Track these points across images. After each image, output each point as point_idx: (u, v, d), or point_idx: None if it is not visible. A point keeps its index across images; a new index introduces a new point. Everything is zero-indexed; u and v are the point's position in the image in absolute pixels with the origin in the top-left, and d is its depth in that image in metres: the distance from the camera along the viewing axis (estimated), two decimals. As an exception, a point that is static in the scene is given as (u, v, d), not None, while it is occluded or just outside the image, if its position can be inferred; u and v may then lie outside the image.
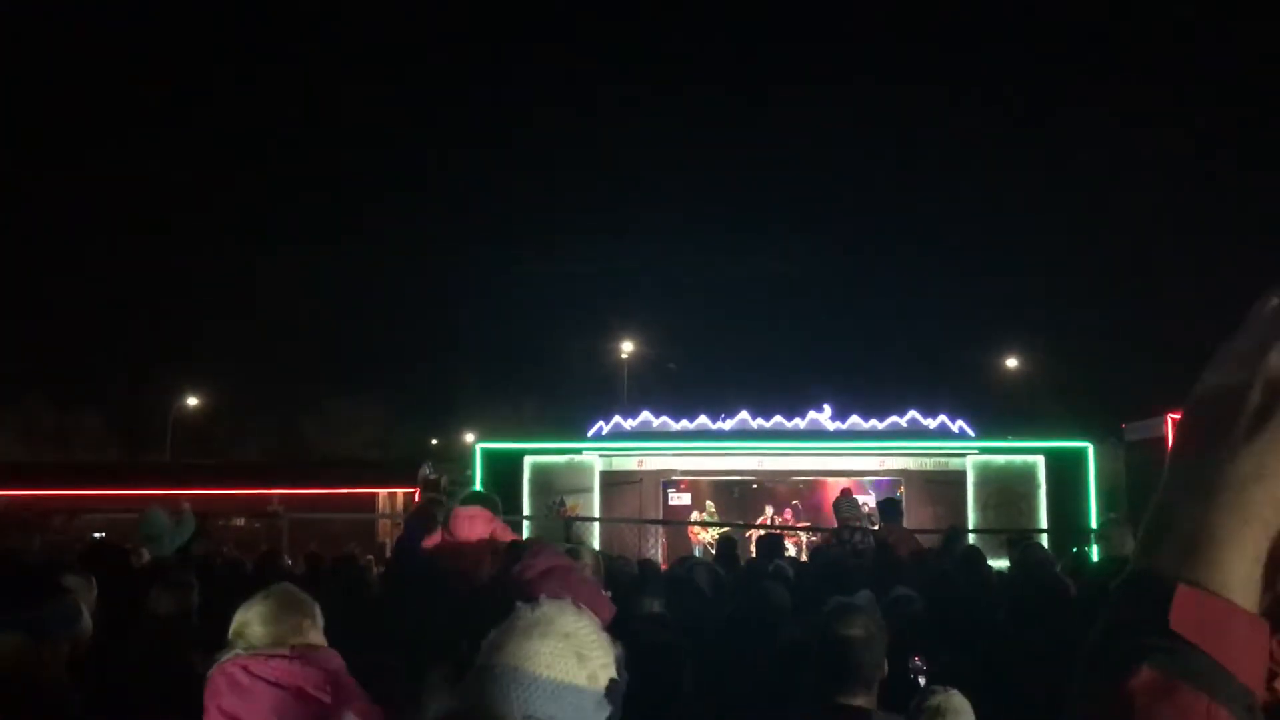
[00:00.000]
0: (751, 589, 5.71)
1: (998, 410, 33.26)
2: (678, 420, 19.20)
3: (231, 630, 3.11)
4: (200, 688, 3.09)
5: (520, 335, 54.78)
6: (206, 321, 51.82)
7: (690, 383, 38.99)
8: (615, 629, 1.86)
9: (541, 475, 17.33)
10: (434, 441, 42.34)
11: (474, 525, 5.26)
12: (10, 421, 37.93)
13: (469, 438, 31.66)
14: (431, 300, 61.47)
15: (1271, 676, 0.73)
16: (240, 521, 18.31)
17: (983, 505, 17.24)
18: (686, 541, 17.54)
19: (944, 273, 61.13)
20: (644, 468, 18.20)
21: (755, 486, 19.87)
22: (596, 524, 15.82)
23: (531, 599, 3.10)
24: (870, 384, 34.99)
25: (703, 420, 19.17)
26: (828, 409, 19.21)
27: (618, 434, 18.79)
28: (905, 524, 13.82)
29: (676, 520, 17.97)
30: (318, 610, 3.25)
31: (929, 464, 18.12)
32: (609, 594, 4.57)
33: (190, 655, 4.03)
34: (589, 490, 17.34)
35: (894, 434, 18.74)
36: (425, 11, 74.96)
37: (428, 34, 71.89)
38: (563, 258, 61.04)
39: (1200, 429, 0.78)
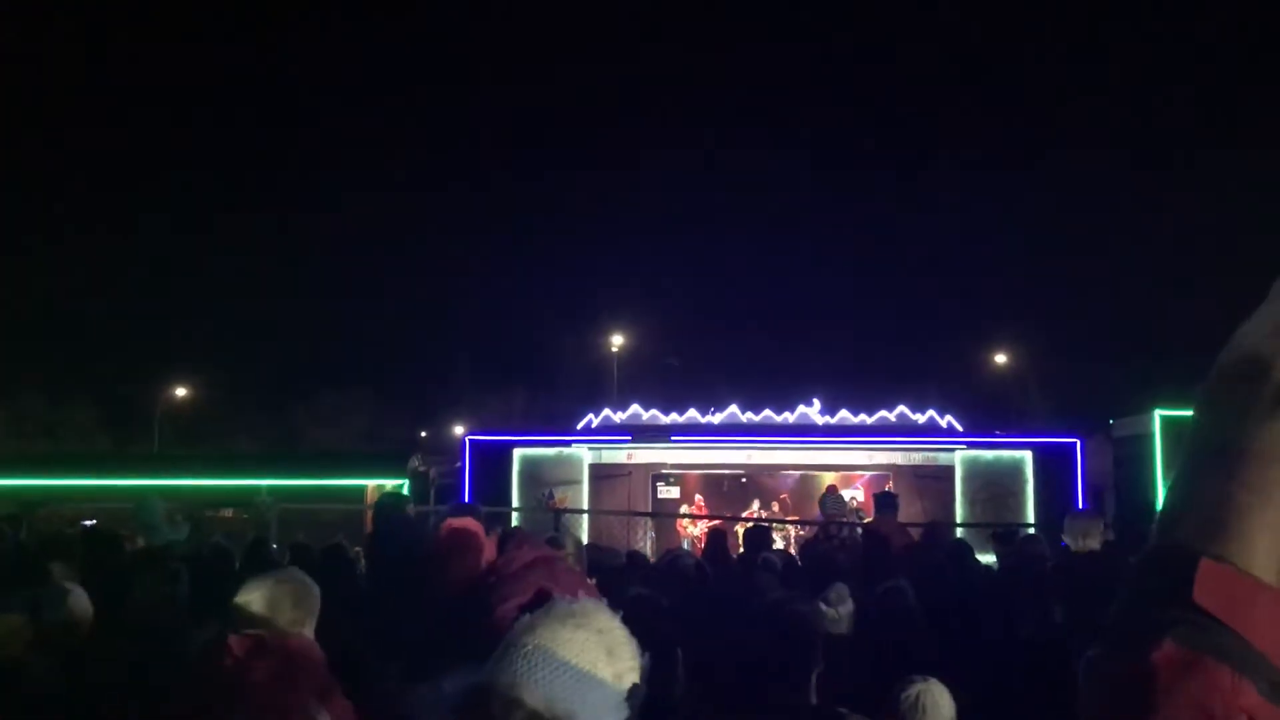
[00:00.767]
0: (742, 580, 5.74)
1: (986, 405, 33.37)
2: (667, 414, 19.23)
3: (233, 605, 3.11)
4: (187, 674, 3.09)
5: (510, 328, 54.75)
6: (196, 313, 51.74)
7: (681, 376, 38.98)
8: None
9: (531, 467, 17.33)
10: (423, 434, 42.26)
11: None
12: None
13: (458, 430, 31.67)
14: (421, 292, 61.42)
15: None
16: (229, 512, 18.27)
17: (971, 500, 17.31)
18: (675, 535, 17.58)
19: (933, 268, 61.21)
20: (633, 461, 18.22)
21: (744, 480, 19.91)
22: (585, 516, 15.84)
23: (517, 592, 3.11)
24: (860, 378, 35.05)
25: (692, 414, 19.20)
26: (817, 403, 19.27)
27: (608, 427, 18.81)
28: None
29: (665, 513, 18.00)
30: (318, 603, 3.25)
31: (918, 458, 18.18)
32: (593, 581, 4.59)
33: (178, 642, 4.03)
34: (578, 483, 17.36)
35: (883, 428, 18.79)
36: (416, 13, 74.80)
37: (422, 32, 71.79)
38: (553, 250, 61.05)
39: (1223, 404, 0.77)
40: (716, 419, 19.15)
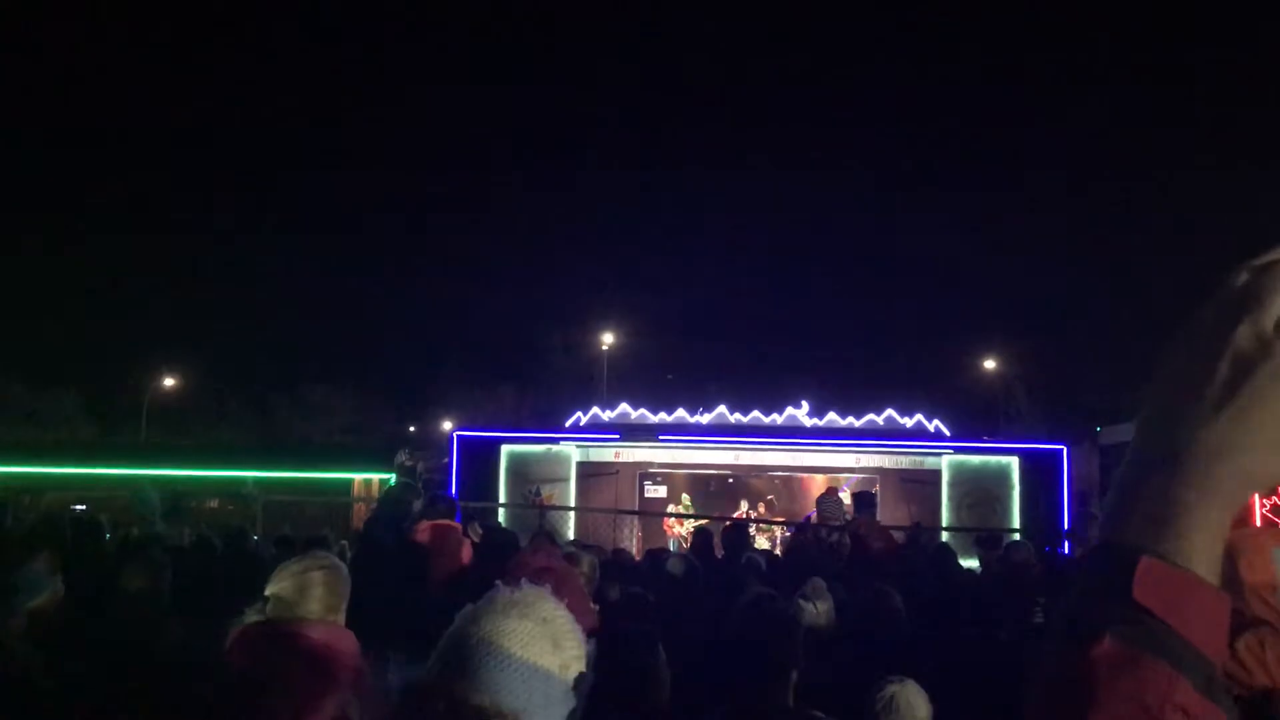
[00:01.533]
0: (728, 580, 5.74)
1: (974, 411, 33.42)
2: (656, 413, 19.23)
3: (267, 590, 3.06)
4: (169, 663, 3.07)
5: (500, 324, 54.71)
6: (185, 303, 51.57)
7: (670, 374, 38.98)
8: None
9: (518, 464, 17.32)
10: (411, 428, 42.19)
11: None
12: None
13: (447, 425, 31.61)
14: (411, 287, 61.28)
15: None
16: (214, 503, 18.23)
17: (957, 504, 17.34)
18: (662, 534, 17.57)
19: (924, 274, 61.33)
20: (621, 459, 18.20)
21: (731, 481, 19.91)
22: (571, 514, 15.83)
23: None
24: (848, 382, 35.09)
25: (681, 414, 19.21)
26: (806, 405, 19.30)
27: (596, 425, 18.80)
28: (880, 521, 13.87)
29: (652, 511, 17.99)
30: (349, 589, 3.20)
31: (905, 462, 18.19)
32: (596, 607, 4.56)
33: (162, 632, 4.02)
34: (565, 480, 17.35)
35: (871, 432, 18.82)
36: (416, 9, 74.60)
37: (418, 28, 71.60)
38: (545, 248, 60.92)
39: (1167, 402, 0.78)
40: (705, 419, 19.16)
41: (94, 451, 22.70)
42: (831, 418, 19.14)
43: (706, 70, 75.35)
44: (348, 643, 2.97)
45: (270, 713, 2.80)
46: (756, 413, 19.32)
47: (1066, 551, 12.63)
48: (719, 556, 7.87)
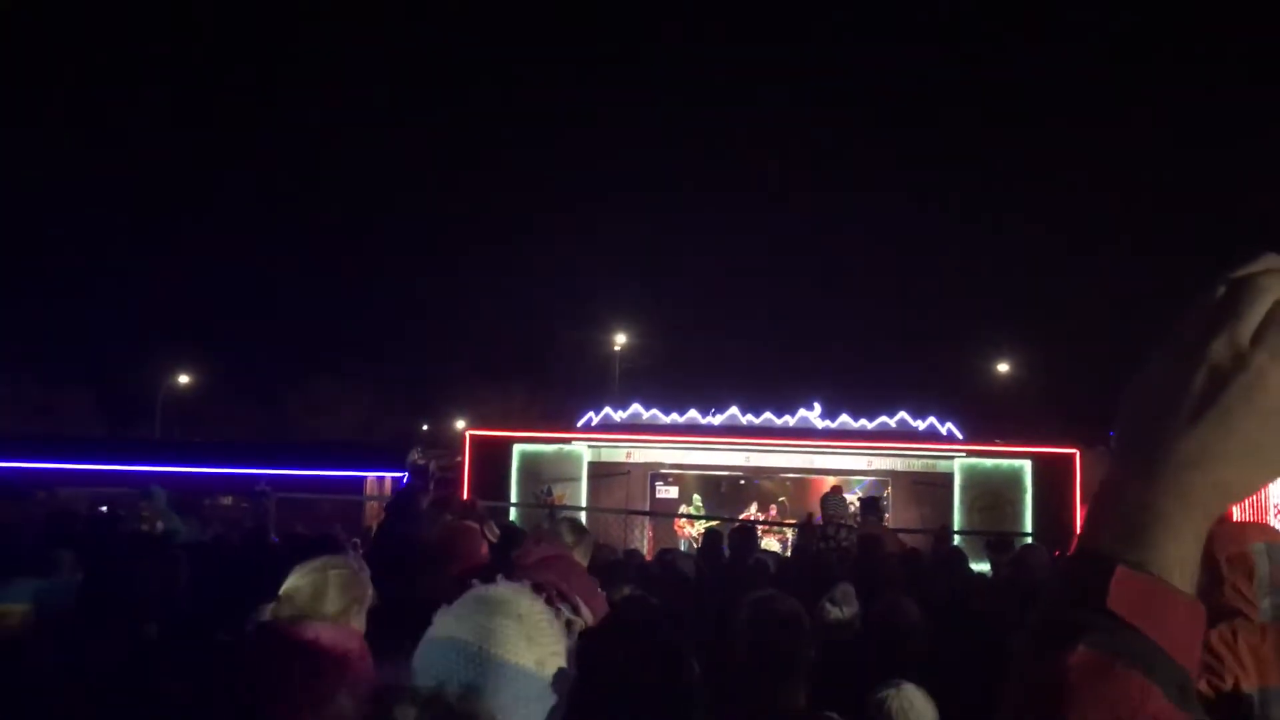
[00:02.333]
0: (736, 581, 5.75)
1: (987, 414, 33.33)
2: (668, 414, 19.23)
3: (281, 590, 3.07)
4: (185, 664, 3.09)
5: (513, 323, 54.77)
6: (197, 300, 51.73)
7: (681, 376, 38.97)
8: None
9: (530, 464, 17.35)
10: (424, 427, 42.30)
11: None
12: (-2, 395, 37.77)
13: (459, 424, 31.67)
14: (424, 285, 61.37)
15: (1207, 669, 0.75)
16: (227, 501, 18.29)
17: (969, 508, 17.30)
18: (673, 535, 17.59)
19: (936, 276, 61.16)
20: (632, 460, 18.22)
21: (742, 482, 19.90)
22: (583, 514, 15.85)
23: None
24: (860, 384, 35.02)
25: (693, 414, 19.21)
26: (818, 407, 19.27)
27: (607, 425, 18.82)
28: (892, 525, 13.90)
29: (662, 512, 18.00)
30: (369, 593, 3.19)
31: (917, 465, 18.16)
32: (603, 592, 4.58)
33: (178, 632, 4.05)
34: (576, 480, 17.37)
35: (883, 434, 18.79)
36: (417, 10, 74.74)
37: (426, 23, 71.73)
38: (557, 246, 60.93)
39: (1145, 412, 0.79)
40: (716, 420, 19.15)
41: (107, 448, 22.79)
42: (844, 420, 19.11)
43: (721, 65, 75.32)
44: (354, 643, 2.98)
45: (274, 713, 2.83)
46: (768, 414, 19.30)
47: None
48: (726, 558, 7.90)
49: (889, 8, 77.44)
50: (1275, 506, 11.79)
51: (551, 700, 1.58)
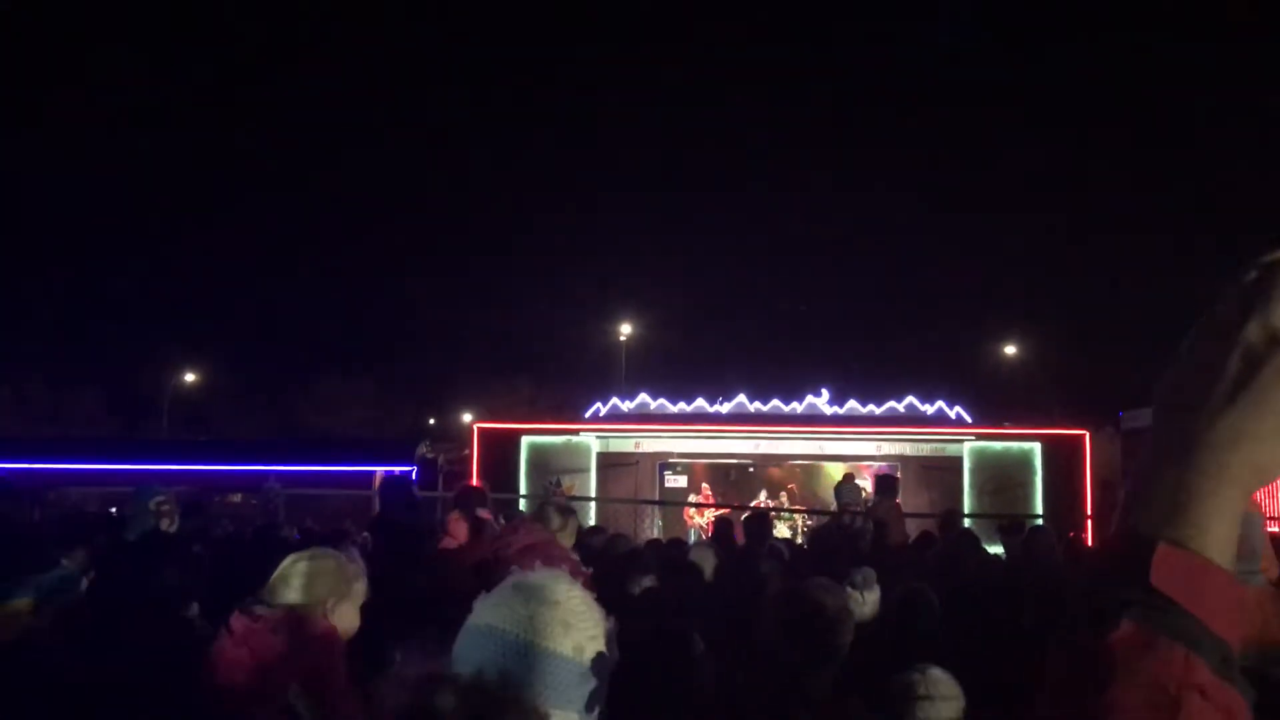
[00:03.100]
0: (749, 570, 5.73)
1: (996, 397, 33.28)
2: (675, 403, 19.21)
3: (269, 582, 3.11)
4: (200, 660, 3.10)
5: (519, 315, 54.77)
6: (204, 299, 51.84)
7: (688, 364, 38.96)
8: (608, 605, 1.81)
9: (538, 455, 17.37)
10: (431, 421, 42.36)
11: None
12: (5, 397, 37.86)
13: (466, 417, 31.69)
14: (430, 280, 61.40)
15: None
16: (237, 498, 18.33)
17: (979, 491, 17.30)
18: (682, 524, 17.59)
19: (944, 259, 61.06)
20: (641, 449, 18.22)
21: (751, 470, 19.90)
22: (592, 504, 15.87)
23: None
24: (869, 369, 35.00)
25: (700, 403, 19.19)
26: (825, 393, 19.24)
27: (615, 415, 18.82)
28: (903, 509, 13.84)
29: (672, 501, 18.00)
30: (360, 586, 3.21)
31: (926, 449, 18.15)
32: (589, 570, 4.59)
33: (192, 627, 4.05)
34: (585, 471, 17.38)
35: (892, 419, 18.77)
36: (417, 12, 74.74)
37: (426, 21, 71.69)
38: (562, 238, 60.99)
39: (1182, 394, 0.81)
40: (724, 408, 19.13)
41: (116, 448, 22.83)
42: (852, 405, 19.08)
43: (725, 60, 75.17)
44: (316, 633, 3.01)
45: (227, 698, 2.87)
46: (776, 401, 19.27)
47: (1089, 537, 12.57)
48: (740, 544, 7.87)
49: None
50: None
51: (592, 684, 1.58)
